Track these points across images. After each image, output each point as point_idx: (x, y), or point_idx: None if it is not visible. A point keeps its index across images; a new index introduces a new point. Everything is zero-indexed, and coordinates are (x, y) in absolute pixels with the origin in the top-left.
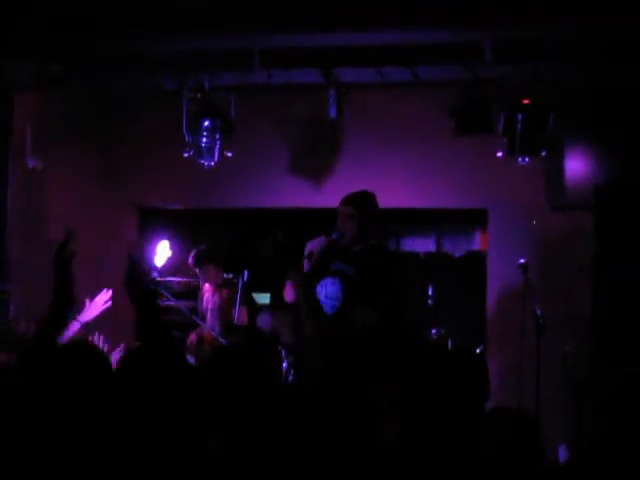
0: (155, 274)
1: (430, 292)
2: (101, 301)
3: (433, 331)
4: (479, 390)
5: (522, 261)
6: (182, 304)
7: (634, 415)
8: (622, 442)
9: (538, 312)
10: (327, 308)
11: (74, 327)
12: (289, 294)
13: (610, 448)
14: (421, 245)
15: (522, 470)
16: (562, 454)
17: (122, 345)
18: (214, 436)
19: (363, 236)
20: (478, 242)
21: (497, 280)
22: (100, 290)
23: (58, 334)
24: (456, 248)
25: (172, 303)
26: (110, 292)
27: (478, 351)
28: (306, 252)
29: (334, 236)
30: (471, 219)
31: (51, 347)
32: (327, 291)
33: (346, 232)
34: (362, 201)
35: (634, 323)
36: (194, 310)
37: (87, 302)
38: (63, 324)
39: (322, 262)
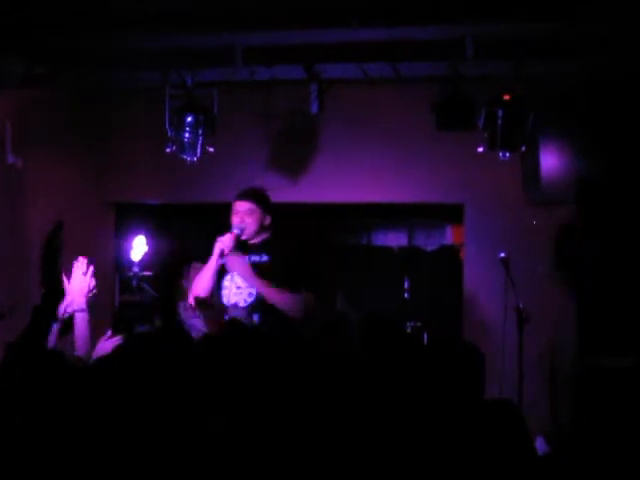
0: (135, 268)
1: (406, 285)
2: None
3: (409, 324)
4: (472, 381)
5: (503, 255)
6: None
7: (614, 409)
8: (603, 435)
9: (520, 305)
10: (240, 299)
11: (80, 318)
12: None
13: (591, 441)
14: (393, 239)
15: (512, 462)
16: (540, 446)
17: (109, 332)
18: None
19: (262, 229)
20: (450, 236)
21: (474, 274)
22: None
23: (49, 325)
24: (428, 242)
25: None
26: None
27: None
28: (217, 250)
29: (236, 231)
30: (442, 213)
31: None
32: (238, 283)
33: (247, 226)
34: (261, 196)
35: (616, 316)
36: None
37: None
38: (54, 314)
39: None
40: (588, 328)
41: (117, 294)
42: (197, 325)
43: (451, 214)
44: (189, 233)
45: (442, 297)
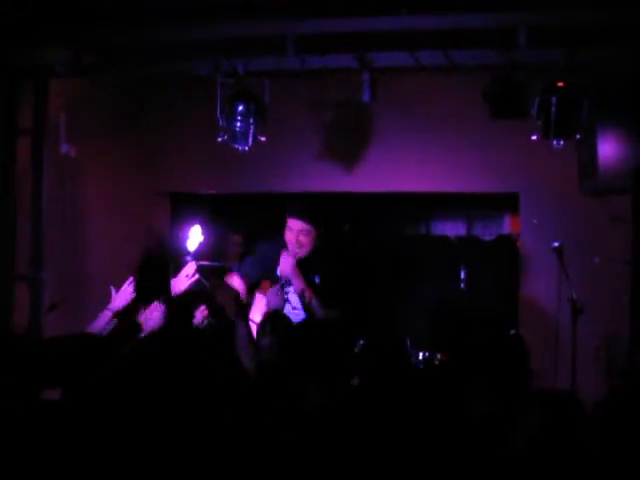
0: (189, 258)
1: (462, 275)
2: (128, 290)
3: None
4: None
5: (556, 244)
6: None
7: None
8: None
9: (574, 296)
10: (295, 319)
11: (105, 316)
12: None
13: None
14: (451, 229)
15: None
16: None
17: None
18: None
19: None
20: (508, 226)
21: (530, 264)
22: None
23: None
24: (486, 232)
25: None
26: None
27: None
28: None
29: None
30: (500, 203)
31: None
32: (294, 303)
33: (302, 246)
34: (316, 217)
35: None
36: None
37: (113, 291)
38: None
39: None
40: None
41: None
42: None
43: (509, 203)
44: (244, 223)
45: (498, 286)
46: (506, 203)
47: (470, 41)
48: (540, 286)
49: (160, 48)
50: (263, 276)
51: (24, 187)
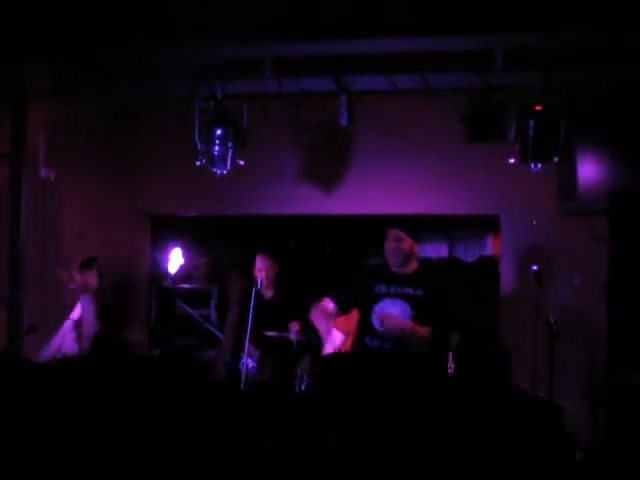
0: (169, 282)
1: None
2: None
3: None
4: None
5: (535, 268)
6: (196, 312)
7: None
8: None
9: (551, 319)
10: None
11: (67, 325)
12: (318, 319)
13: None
14: (433, 250)
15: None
16: None
17: None
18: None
19: (409, 257)
20: (490, 247)
21: (510, 286)
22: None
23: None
24: (468, 253)
25: (188, 311)
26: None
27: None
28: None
29: (380, 261)
30: (483, 224)
31: None
32: (389, 310)
33: (396, 256)
34: (410, 224)
35: None
36: (207, 318)
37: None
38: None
39: (363, 286)
40: (620, 343)
41: (154, 306)
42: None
43: (491, 225)
44: (225, 245)
45: (479, 307)
46: (488, 225)
47: (447, 64)
48: (519, 307)
49: (139, 71)
50: (355, 303)
51: (2, 210)
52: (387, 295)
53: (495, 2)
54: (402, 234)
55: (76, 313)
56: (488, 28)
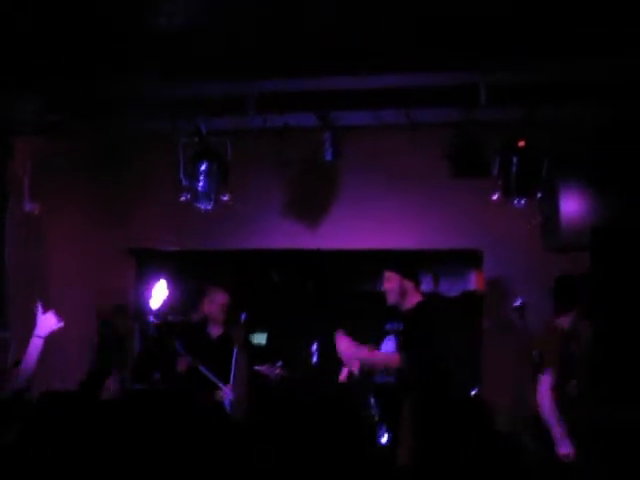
0: (151, 318)
1: None
2: (51, 317)
3: None
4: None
5: (517, 303)
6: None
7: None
8: None
9: (535, 354)
10: None
11: (37, 343)
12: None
13: None
14: None
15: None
16: None
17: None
18: None
19: (403, 294)
20: (473, 282)
21: (494, 320)
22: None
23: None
24: (452, 288)
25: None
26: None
27: (473, 393)
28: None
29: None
30: (466, 259)
31: None
32: (386, 349)
33: (389, 296)
34: (399, 262)
35: (632, 365)
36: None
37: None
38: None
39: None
40: (603, 378)
41: (137, 341)
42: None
43: (474, 260)
44: (209, 279)
45: (463, 343)
46: (471, 260)
47: (431, 99)
48: (502, 342)
49: (125, 106)
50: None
51: None
52: (388, 332)
53: (479, 38)
54: (388, 273)
55: (42, 330)
56: (472, 64)
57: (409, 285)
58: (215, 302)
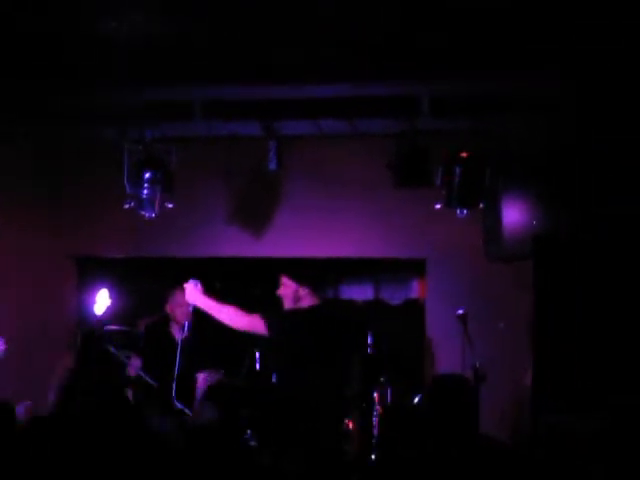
0: (94, 323)
1: (369, 340)
2: None
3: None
4: None
5: (460, 312)
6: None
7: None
8: None
9: (477, 363)
10: None
11: None
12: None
13: None
14: (359, 293)
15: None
16: None
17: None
18: None
19: (297, 299)
20: (416, 290)
21: (436, 329)
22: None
23: None
24: (394, 296)
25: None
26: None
27: (416, 400)
28: None
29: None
30: (409, 267)
31: None
32: None
33: (283, 300)
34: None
35: (574, 373)
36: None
37: None
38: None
39: None
40: (545, 386)
41: (79, 350)
42: None
43: (417, 268)
44: (151, 287)
45: (405, 352)
46: (414, 268)
47: (374, 109)
48: (445, 351)
49: (70, 114)
50: None
51: None
52: None
53: (421, 50)
54: (285, 279)
55: None
56: (414, 74)
57: (304, 291)
58: (177, 303)
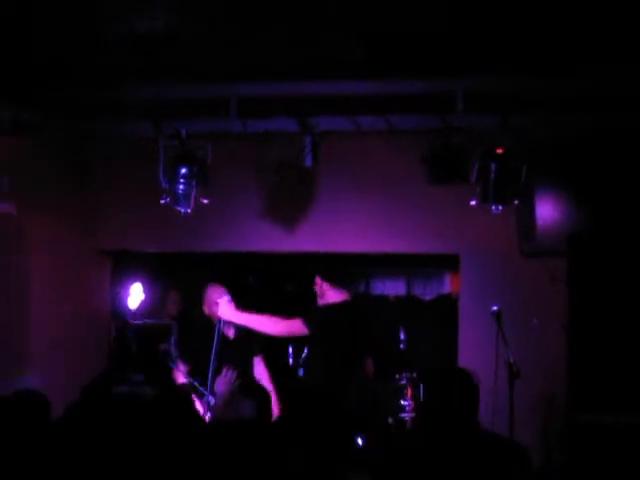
0: (129, 317)
1: (402, 336)
2: None
3: (404, 375)
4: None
5: (495, 308)
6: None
7: (604, 468)
8: None
9: (511, 359)
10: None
11: None
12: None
13: None
14: (391, 288)
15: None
16: None
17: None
18: None
19: (322, 295)
20: (448, 285)
21: (470, 325)
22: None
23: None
24: (426, 291)
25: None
26: None
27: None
28: None
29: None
30: (440, 262)
31: None
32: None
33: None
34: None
35: (608, 371)
36: (167, 353)
37: None
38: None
39: None
40: (579, 384)
41: (113, 343)
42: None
43: (449, 263)
44: (186, 282)
45: (438, 347)
46: (446, 263)
47: (409, 106)
48: (478, 347)
49: (104, 108)
50: None
51: None
52: None
53: (457, 45)
54: (316, 277)
55: None
56: (449, 71)
57: (325, 285)
58: (212, 300)
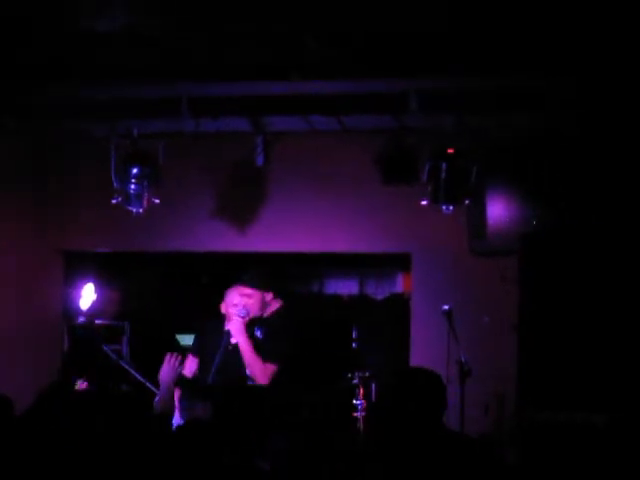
0: (81, 318)
1: (354, 334)
2: None
3: (356, 374)
4: None
5: (446, 307)
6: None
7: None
8: None
9: (462, 358)
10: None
11: None
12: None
13: None
14: (344, 287)
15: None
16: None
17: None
18: None
19: (264, 306)
20: (400, 284)
21: (421, 324)
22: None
23: None
24: (378, 290)
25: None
26: None
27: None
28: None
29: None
30: (393, 262)
31: None
32: None
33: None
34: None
35: (558, 369)
36: (119, 353)
37: None
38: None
39: None
40: (529, 382)
41: (65, 343)
42: None
43: (402, 263)
44: (137, 281)
45: (390, 346)
46: (398, 262)
47: (363, 106)
48: (430, 346)
49: (56, 108)
50: None
51: None
52: None
53: (410, 46)
54: (247, 290)
55: None
56: (402, 71)
57: (269, 296)
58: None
